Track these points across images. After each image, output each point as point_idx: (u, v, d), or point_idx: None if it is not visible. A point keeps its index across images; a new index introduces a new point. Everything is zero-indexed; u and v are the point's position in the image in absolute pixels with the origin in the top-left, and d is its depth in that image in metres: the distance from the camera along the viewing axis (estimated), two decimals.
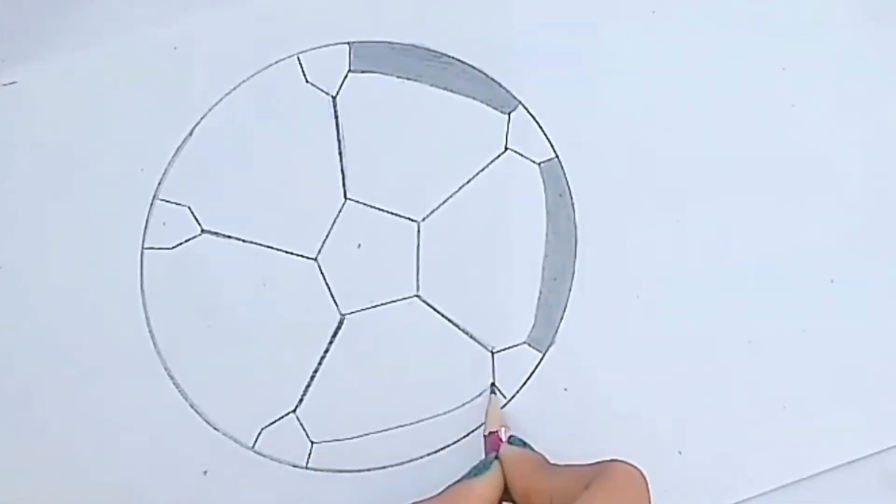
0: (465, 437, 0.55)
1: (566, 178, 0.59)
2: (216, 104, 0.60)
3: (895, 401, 0.55)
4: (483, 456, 0.51)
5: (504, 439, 0.49)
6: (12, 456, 0.55)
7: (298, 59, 0.61)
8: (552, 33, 0.61)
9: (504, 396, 0.55)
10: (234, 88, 0.60)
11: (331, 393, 0.56)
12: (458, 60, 0.60)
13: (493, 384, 0.56)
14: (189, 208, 0.59)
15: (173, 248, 0.58)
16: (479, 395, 0.56)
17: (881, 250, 0.58)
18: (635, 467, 0.41)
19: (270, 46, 0.61)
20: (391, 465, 0.55)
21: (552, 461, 0.45)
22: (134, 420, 0.56)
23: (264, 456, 0.55)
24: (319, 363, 0.56)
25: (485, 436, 0.52)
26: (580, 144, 0.59)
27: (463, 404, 0.56)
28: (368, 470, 0.55)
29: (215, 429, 0.56)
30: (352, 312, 0.57)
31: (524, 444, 0.49)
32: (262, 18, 0.61)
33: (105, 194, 0.59)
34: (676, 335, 0.57)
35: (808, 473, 0.54)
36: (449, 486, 0.45)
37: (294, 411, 0.56)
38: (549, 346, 0.56)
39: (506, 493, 0.46)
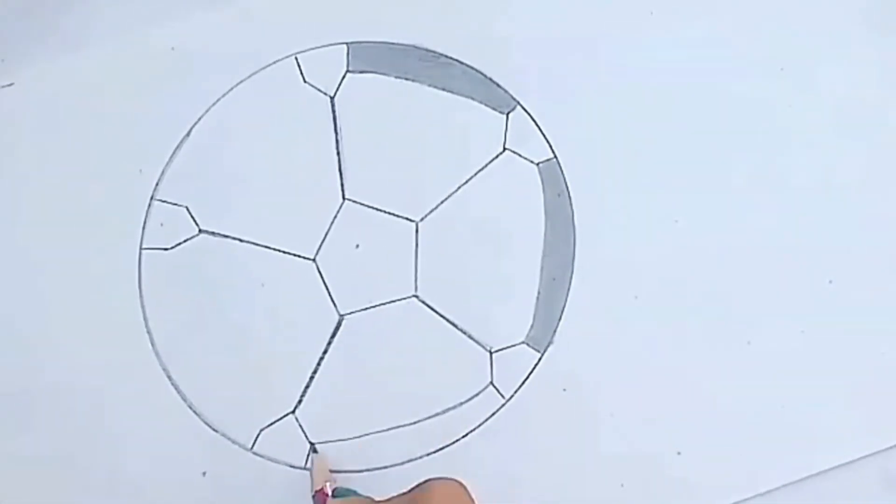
0: (463, 437, 0.55)
1: (565, 179, 0.59)
2: (214, 104, 0.60)
3: (895, 401, 0.55)
4: None
5: (329, 493, 0.51)
6: (12, 456, 0.55)
7: (296, 59, 0.61)
8: (551, 34, 0.61)
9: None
10: (232, 89, 0.60)
11: (329, 394, 0.56)
12: (457, 61, 0.60)
13: (312, 444, 0.55)
14: (187, 208, 0.58)
15: (171, 248, 0.58)
16: (478, 394, 0.56)
17: (879, 251, 0.58)
18: (454, 480, 0.42)
19: (268, 47, 0.61)
20: (390, 466, 0.55)
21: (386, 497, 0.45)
22: (132, 420, 0.56)
23: (263, 457, 0.55)
24: (318, 364, 0.56)
25: (313, 496, 0.52)
26: (579, 145, 0.59)
27: (461, 404, 0.56)
28: (367, 470, 0.55)
29: (214, 430, 0.55)
30: (350, 313, 0.57)
31: (351, 491, 0.51)
32: (260, 19, 0.61)
33: (103, 195, 0.59)
34: (675, 335, 0.56)
35: (808, 473, 0.54)
36: None
37: (293, 412, 0.56)
38: (548, 345, 0.56)
39: None
